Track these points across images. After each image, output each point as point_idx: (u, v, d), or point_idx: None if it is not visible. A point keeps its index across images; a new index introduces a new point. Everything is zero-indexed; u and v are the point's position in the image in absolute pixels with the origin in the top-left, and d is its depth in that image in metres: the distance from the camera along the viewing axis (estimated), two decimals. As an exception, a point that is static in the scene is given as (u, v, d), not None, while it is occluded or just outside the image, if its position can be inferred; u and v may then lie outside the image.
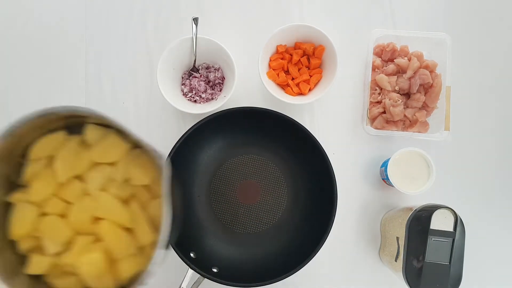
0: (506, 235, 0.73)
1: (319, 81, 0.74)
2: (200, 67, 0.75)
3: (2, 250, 0.43)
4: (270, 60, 0.73)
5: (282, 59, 0.73)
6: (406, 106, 0.72)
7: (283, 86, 0.74)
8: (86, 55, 0.79)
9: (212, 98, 0.74)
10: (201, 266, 0.61)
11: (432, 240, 0.57)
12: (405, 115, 0.72)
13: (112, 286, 0.44)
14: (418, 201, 0.64)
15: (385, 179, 0.70)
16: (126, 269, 0.44)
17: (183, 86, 0.75)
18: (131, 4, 0.80)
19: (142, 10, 0.80)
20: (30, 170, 0.45)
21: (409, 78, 0.72)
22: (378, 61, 0.74)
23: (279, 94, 0.71)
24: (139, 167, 0.45)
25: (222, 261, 0.66)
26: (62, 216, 0.45)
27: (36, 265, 0.44)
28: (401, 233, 0.61)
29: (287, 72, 0.74)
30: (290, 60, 0.74)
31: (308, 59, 0.74)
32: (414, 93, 0.72)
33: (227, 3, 0.79)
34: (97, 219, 0.44)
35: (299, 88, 0.73)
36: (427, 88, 0.72)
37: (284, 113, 0.66)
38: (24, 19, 0.80)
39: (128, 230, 0.44)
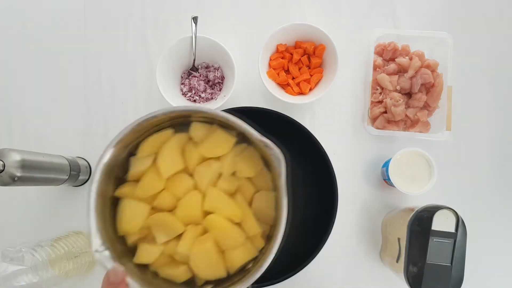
0: (508, 236, 0.73)
1: (319, 80, 0.73)
2: (199, 67, 0.75)
3: (112, 243, 0.44)
4: (270, 59, 0.73)
5: (282, 58, 0.73)
6: (408, 106, 0.72)
7: (284, 86, 0.74)
8: (86, 54, 0.78)
9: (212, 98, 0.74)
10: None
11: (433, 241, 0.57)
12: (406, 115, 0.71)
13: (223, 275, 0.45)
14: (420, 202, 0.64)
15: (386, 180, 0.70)
16: (235, 259, 0.45)
17: (182, 86, 0.74)
18: (130, 3, 0.79)
19: (141, 9, 0.79)
20: (139, 166, 0.46)
21: (411, 78, 0.71)
22: (379, 60, 0.74)
23: (280, 94, 0.70)
24: (244, 160, 0.47)
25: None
26: (171, 210, 0.46)
27: (145, 256, 0.45)
28: (403, 234, 0.60)
29: (287, 71, 0.74)
30: (290, 59, 0.73)
31: (309, 58, 0.73)
32: (416, 93, 0.71)
33: (227, 2, 0.79)
34: (206, 213, 0.46)
35: (300, 88, 0.73)
36: (429, 88, 0.72)
37: (285, 112, 0.65)
38: (23, 19, 0.80)
39: (237, 223, 0.46)
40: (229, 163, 0.46)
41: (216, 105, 0.68)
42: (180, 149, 0.47)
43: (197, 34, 0.70)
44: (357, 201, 0.73)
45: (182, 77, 0.75)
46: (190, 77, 0.75)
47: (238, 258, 0.45)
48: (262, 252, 0.46)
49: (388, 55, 0.74)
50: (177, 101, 0.70)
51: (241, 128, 0.44)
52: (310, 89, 0.73)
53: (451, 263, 0.56)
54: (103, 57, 0.78)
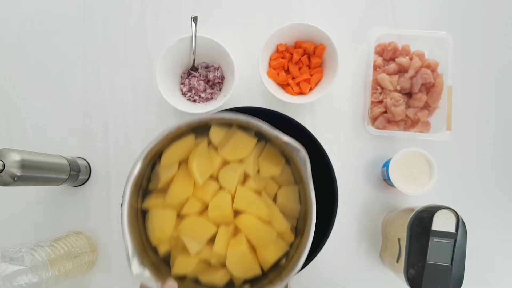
0: (508, 236, 0.73)
1: (319, 80, 0.73)
2: (199, 66, 0.75)
3: (145, 256, 0.43)
4: (270, 59, 0.73)
5: (282, 58, 0.73)
6: (408, 106, 0.72)
7: (284, 86, 0.74)
8: (85, 54, 0.78)
9: (212, 98, 0.74)
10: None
11: (433, 241, 0.57)
12: (406, 115, 0.71)
13: (258, 272, 0.46)
14: (420, 202, 0.64)
15: (387, 180, 0.70)
16: (268, 256, 0.46)
17: (182, 86, 0.74)
18: (130, 3, 0.79)
19: (141, 9, 0.79)
20: (165, 175, 0.46)
21: (411, 78, 0.71)
22: (380, 60, 0.74)
23: (280, 94, 0.70)
24: (267, 159, 0.47)
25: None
26: (200, 215, 0.46)
27: (182, 267, 0.45)
28: (403, 234, 0.60)
29: (287, 71, 0.74)
30: (290, 59, 0.73)
31: (309, 58, 0.73)
32: (416, 93, 0.71)
33: (227, 1, 0.79)
34: (236, 212, 0.46)
35: (300, 88, 0.72)
36: (429, 88, 0.71)
37: (285, 112, 0.65)
38: (22, 19, 0.80)
39: (266, 221, 0.46)
40: (253, 164, 0.47)
41: (216, 105, 0.68)
42: (207, 154, 0.47)
43: (197, 34, 0.70)
44: (357, 201, 0.73)
45: (182, 77, 0.75)
46: (190, 77, 0.74)
47: (271, 255, 0.46)
48: (293, 246, 0.46)
49: (388, 55, 0.74)
50: (176, 101, 0.69)
51: (262, 129, 0.43)
52: (310, 89, 0.73)
53: (451, 263, 0.56)
54: (103, 57, 0.78)
